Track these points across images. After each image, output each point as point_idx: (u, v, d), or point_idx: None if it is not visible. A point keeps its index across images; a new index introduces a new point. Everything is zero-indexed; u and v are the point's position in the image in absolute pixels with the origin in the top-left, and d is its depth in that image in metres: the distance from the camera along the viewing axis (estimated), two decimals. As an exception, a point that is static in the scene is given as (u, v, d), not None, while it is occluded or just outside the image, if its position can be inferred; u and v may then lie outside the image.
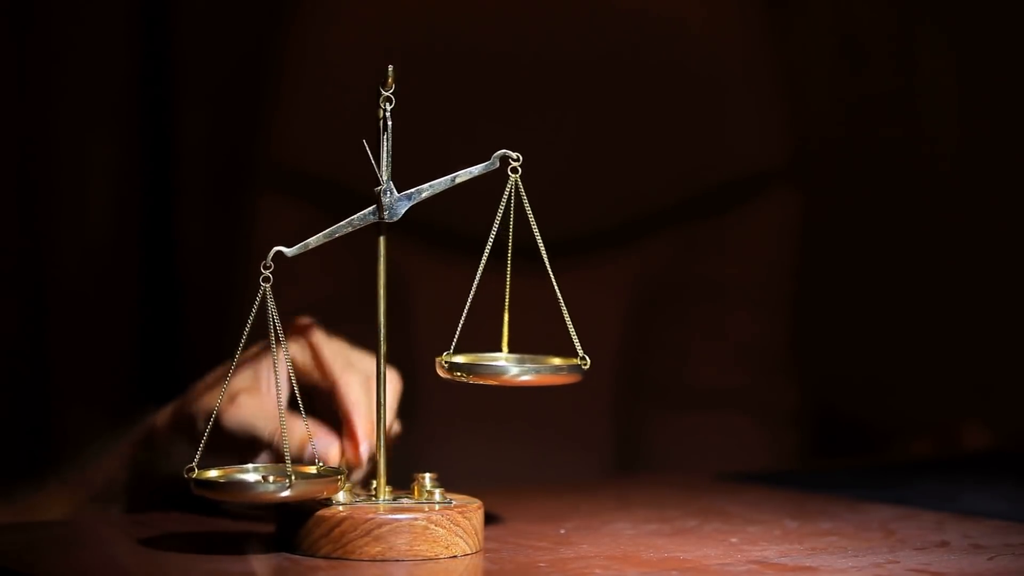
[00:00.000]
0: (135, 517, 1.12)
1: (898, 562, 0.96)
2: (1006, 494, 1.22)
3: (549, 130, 1.64)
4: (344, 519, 0.93)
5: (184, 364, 1.68)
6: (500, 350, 1.00)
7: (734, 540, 1.02)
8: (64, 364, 1.67)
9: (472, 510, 0.96)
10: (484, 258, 0.96)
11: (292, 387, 0.97)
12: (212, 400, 1.05)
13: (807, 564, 0.95)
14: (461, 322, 0.96)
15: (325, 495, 0.95)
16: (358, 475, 1.04)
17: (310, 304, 1.59)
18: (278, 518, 0.97)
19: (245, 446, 1.05)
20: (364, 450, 1.03)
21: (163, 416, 1.11)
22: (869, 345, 1.88)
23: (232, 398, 1.06)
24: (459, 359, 0.98)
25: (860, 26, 1.88)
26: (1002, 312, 1.86)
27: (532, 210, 0.97)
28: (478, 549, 0.96)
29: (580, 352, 0.98)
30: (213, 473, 0.97)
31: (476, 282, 0.96)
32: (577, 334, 0.98)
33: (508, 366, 0.98)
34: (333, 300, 1.58)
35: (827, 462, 1.68)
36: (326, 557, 0.93)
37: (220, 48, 1.71)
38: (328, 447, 1.03)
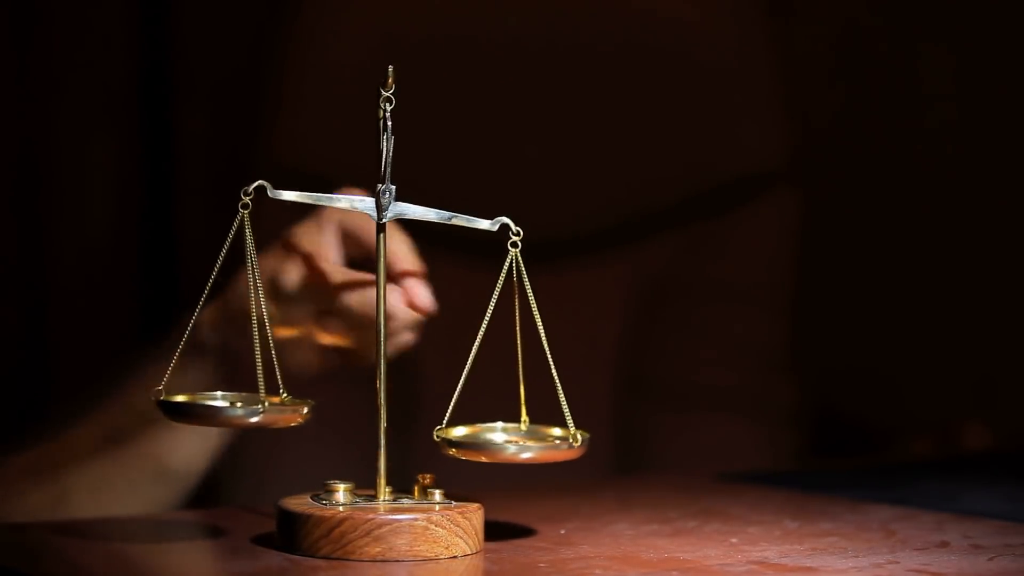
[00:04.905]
0: (136, 517, 1.12)
1: (898, 562, 0.96)
2: (1006, 494, 1.22)
3: (549, 130, 1.64)
4: (344, 519, 0.93)
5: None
6: (511, 418, 1.01)
7: (734, 540, 1.02)
8: (64, 364, 1.67)
9: (472, 510, 0.96)
10: (482, 330, 0.96)
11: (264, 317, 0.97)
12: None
13: (807, 564, 0.95)
14: (456, 396, 0.96)
15: (292, 423, 0.95)
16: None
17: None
18: (278, 518, 0.97)
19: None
20: (424, 294, 1.06)
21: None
22: (869, 345, 1.88)
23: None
24: (457, 433, 0.99)
25: (860, 25, 1.88)
26: (1002, 312, 1.86)
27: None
28: (478, 549, 0.96)
29: (572, 430, 0.98)
30: (181, 397, 0.96)
31: (472, 355, 0.96)
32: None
33: (506, 446, 0.98)
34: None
35: (827, 462, 1.68)
36: (326, 558, 0.93)
37: (220, 47, 1.70)
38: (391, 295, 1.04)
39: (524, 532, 1.04)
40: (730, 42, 1.68)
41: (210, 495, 1.57)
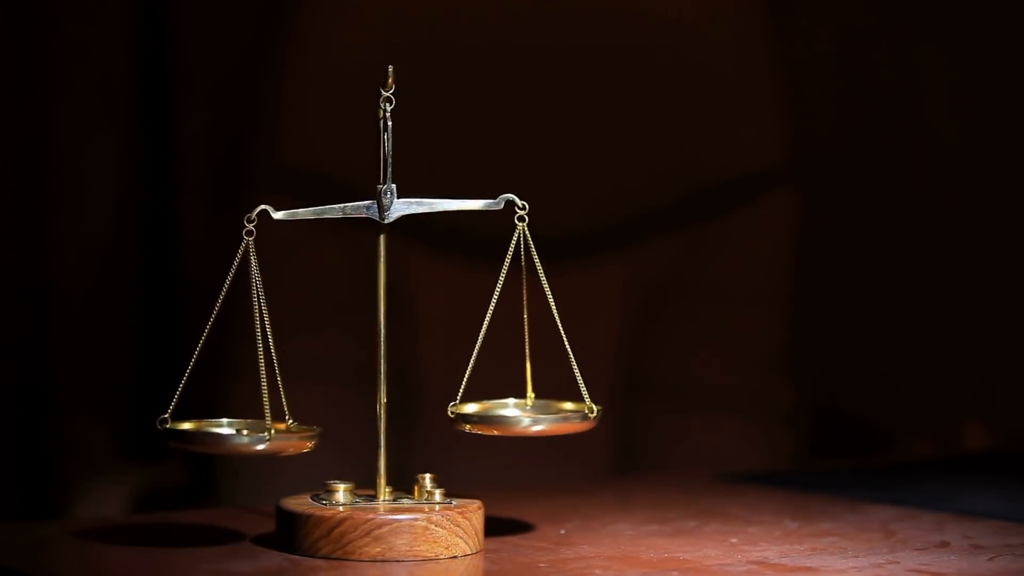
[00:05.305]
0: (135, 517, 1.12)
1: (898, 563, 0.96)
2: (1006, 494, 1.22)
3: (548, 130, 1.64)
4: (344, 519, 0.93)
5: (184, 363, 1.67)
6: (519, 396, 1.01)
7: (734, 540, 1.02)
8: (64, 364, 1.67)
9: (472, 510, 0.96)
10: (491, 307, 0.96)
11: (269, 343, 0.96)
12: None
13: (807, 564, 0.95)
14: (468, 372, 0.97)
15: (299, 450, 0.95)
16: None
17: (310, 306, 1.59)
18: (278, 518, 0.97)
19: None
20: None
21: None
22: (869, 345, 1.88)
23: None
24: (469, 409, 0.99)
25: (860, 25, 1.88)
26: (1001, 312, 1.86)
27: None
28: (478, 549, 0.96)
29: (587, 401, 0.98)
30: (187, 425, 0.96)
31: (482, 333, 0.96)
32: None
33: (520, 419, 0.99)
34: (332, 302, 1.58)
35: (827, 462, 1.68)
36: (326, 558, 0.93)
37: (220, 47, 1.70)
38: None
39: (524, 532, 1.04)
40: (730, 42, 1.68)
41: (211, 495, 1.57)
